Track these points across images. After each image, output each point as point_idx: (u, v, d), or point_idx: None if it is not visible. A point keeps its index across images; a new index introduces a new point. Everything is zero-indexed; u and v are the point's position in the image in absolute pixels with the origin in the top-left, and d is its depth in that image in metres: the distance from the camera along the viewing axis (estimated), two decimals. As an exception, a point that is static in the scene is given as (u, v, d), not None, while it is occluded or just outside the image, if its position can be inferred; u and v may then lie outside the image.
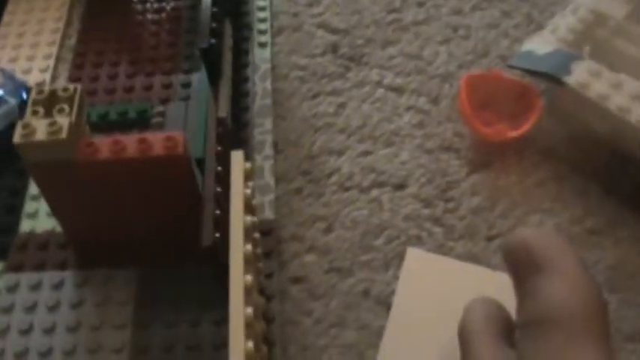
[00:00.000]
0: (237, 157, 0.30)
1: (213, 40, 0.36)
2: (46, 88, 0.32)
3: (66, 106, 0.31)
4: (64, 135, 0.30)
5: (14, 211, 0.39)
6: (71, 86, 0.32)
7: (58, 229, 0.36)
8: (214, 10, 0.37)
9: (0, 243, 0.37)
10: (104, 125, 0.42)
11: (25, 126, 0.30)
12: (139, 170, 0.31)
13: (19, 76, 0.45)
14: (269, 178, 0.39)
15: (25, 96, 0.43)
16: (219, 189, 0.31)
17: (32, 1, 0.50)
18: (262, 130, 0.41)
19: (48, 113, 0.31)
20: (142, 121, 0.42)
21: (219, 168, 0.32)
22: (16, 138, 0.30)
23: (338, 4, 0.50)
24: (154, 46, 0.46)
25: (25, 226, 0.38)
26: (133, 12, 0.49)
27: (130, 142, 0.31)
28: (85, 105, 0.33)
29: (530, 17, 0.49)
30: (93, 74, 0.45)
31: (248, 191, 0.29)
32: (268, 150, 0.41)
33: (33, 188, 0.39)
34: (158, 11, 0.48)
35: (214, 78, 0.37)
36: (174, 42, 0.46)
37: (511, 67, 0.42)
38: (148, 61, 0.45)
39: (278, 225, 0.38)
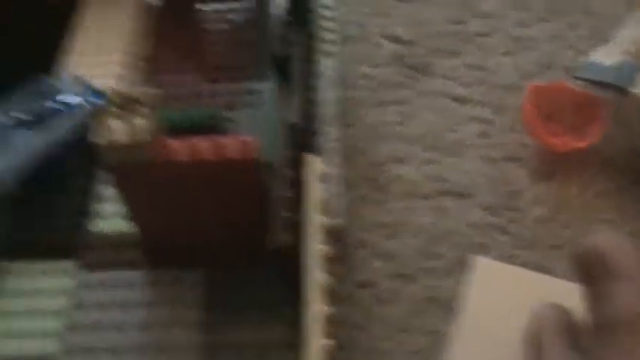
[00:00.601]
0: (312, 160, 0.31)
1: (284, 49, 0.37)
2: (124, 91, 0.33)
3: (144, 109, 0.33)
4: (143, 137, 0.31)
5: (84, 211, 0.40)
6: (148, 89, 0.34)
7: (128, 229, 0.37)
8: (285, 19, 0.38)
9: (71, 243, 0.39)
10: (175, 130, 0.43)
11: (106, 129, 0.32)
12: (213, 172, 0.32)
13: (94, 82, 0.46)
14: (338, 185, 0.40)
15: (99, 102, 0.44)
16: (290, 193, 0.32)
17: (104, 10, 0.52)
18: (331, 137, 0.42)
19: (127, 116, 0.33)
20: (213, 127, 0.43)
21: (291, 172, 0.33)
22: (99, 140, 0.31)
23: (403, 15, 0.50)
24: (223, 54, 0.47)
25: (96, 226, 0.39)
26: (203, 20, 0.50)
27: (206, 144, 0.32)
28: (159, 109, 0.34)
29: (594, 29, 0.49)
30: (164, 81, 0.46)
31: (323, 193, 0.30)
32: (336, 158, 0.41)
33: (102, 189, 0.40)
34: (227, 20, 0.50)
35: (284, 86, 0.38)
36: (244, 50, 0.47)
37: (577, 78, 0.42)
38: (218, 68, 0.47)
39: (346, 232, 0.39)
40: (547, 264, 0.37)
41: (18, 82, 0.45)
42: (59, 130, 0.43)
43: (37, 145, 0.42)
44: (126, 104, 0.33)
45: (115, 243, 0.39)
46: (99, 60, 0.49)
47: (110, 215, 0.40)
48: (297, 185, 0.33)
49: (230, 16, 0.50)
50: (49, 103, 0.44)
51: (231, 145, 0.32)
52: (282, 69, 0.37)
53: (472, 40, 0.49)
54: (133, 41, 0.50)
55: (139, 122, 0.32)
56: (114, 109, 0.33)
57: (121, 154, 0.32)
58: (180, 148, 0.32)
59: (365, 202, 0.41)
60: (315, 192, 0.30)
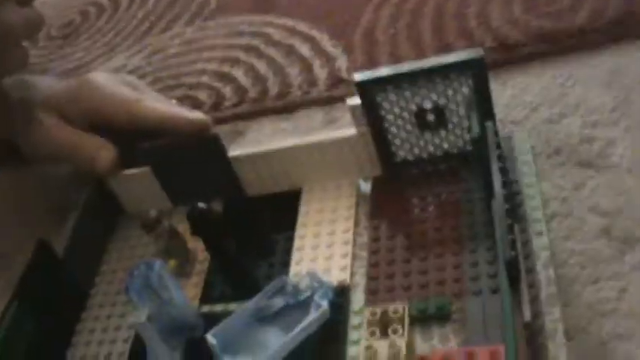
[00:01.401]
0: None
1: (513, 252, 0.41)
2: (378, 310, 0.38)
3: (399, 327, 0.37)
4: (402, 355, 0.36)
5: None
6: (400, 306, 0.38)
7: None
8: (509, 221, 0.42)
9: None
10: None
11: (368, 348, 0.36)
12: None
13: (322, 276, 0.51)
14: (566, 368, 0.43)
15: (331, 296, 0.49)
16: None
17: (322, 202, 0.58)
18: (552, 318, 0.45)
19: (384, 333, 0.37)
20: (441, 317, 0.47)
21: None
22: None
23: (603, 185, 0.54)
24: (439, 241, 0.52)
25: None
26: (416, 208, 0.55)
27: (460, 356, 0.36)
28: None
29: None
30: (389, 271, 0.51)
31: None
32: (560, 338, 0.44)
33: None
34: (439, 206, 0.54)
35: (513, 282, 0.41)
36: (459, 235, 0.52)
37: None
38: (437, 256, 0.51)
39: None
40: None
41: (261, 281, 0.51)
42: (303, 326, 0.48)
43: (284, 342, 0.47)
44: (381, 321, 0.38)
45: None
46: (322, 253, 0.54)
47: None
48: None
49: (444, 197, 0.54)
50: (290, 301, 0.49)
51: (482, 355, 0.35)
52: (511, 273, 0.41)
53: (677, 206, 0.51)
54: (352, 231, 0.55)
55: (398, 341, 0.36)
56: (371, 327, 0.38)
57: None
58: (434, 360, 0.36)
59: (596, 382, 0.43)
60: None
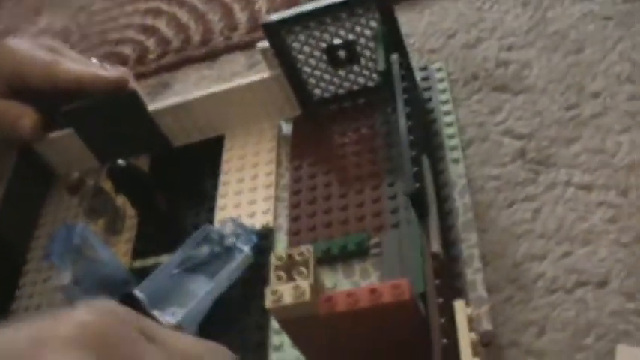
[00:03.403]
0: (459, 306, 0.35)
1: (417, 185, 0.41)
2: (284, 253, 0.38)
3: (304, 269, 0.38)
4: (307, 297, 0.36)
5: (262, 345, 0.46)
6: (304, 249, 0.38)
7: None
8: (413, 153, 0.42)
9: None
10: (328, 259, 0.48)
11: (273, 292, 0.37)
12: (372, 318, 0.36)
13: (245, 222, 0.52)
14: (482, 291, 0.44)
15: (255, 240, 0.50)
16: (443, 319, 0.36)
17: (244, 147, 0.58)
18: (469, 244, 0.46)
19: (289, 277, 0.38)
20: (361, 252, 0.48)
21: (439, 300, 0.37)
22: (267, 304, 0.37)
23: (518, 108, 0.54)
24: (358, 177, 0.52)
25: (274, 358, 0.45)
26: (336, 146, 0.55)
27: (363, 293, 0.36)
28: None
29: None
30: (309, 211, 0.51)
31: (473, 335, 0.34)
32: (477, 263, 0.45)
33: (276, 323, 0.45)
34: (358, 142, 0.55)
35: (422, 214, 0.42)
36: (378, 169, 0.52)
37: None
38: (357, 192, 0.51)
39: (496, 334, 0.43)
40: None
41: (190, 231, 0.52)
42: (228, 272, 0.49)
43: (210, 289, 0.48)
44: (287, 265, 0.38)
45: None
46: (245, 198, 0.54)
47: (286, 346, 0.45)
48: (447, 312, 0.37)
49: (361, 134, 0.55)
50: (216, 249, 0.50)
51: (385, 290, 0.36)
52: (417, 202, 0.41)
53: (588, 124, 0.51)
54: (274, 174, 0.55)
55: (302, 283, 0.37)
56: (277, 271, 0.38)
57: (287, 313, 0.37)
58: (339, 299, 0.36)
59: (510, 302, 0.44)
60: (465, 335, 0.34)
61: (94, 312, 0.34)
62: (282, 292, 0.36)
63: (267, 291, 0.37)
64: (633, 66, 0.53)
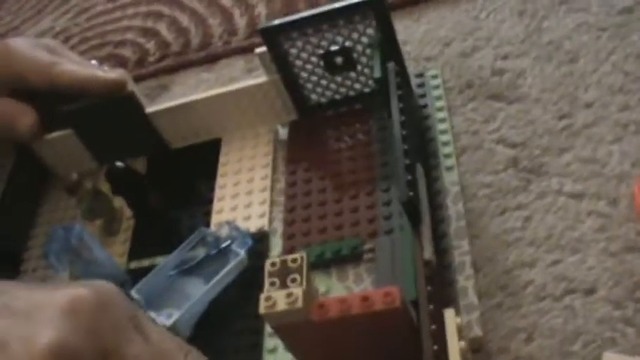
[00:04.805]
0: (449, 314, 0.36)
1: (411, 193, 0.42)
2: (277, 260, 0.39)
3: (297, 276, 0.38)
4: (299, 304, 0.37)
5: (255, 347, 0.47)
6: (298, 256, 0.39)
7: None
8: (407, 162, 0.43)
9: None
10: (321, 263, 0.49)
11: (267, 298, 0.37)
12: (363, 324, 0.37)
13: (241, 224, 0.52)
14: (472, 297, 0.45)
15: (250, 244, 0.51)
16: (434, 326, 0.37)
17: (241, 151, 0.59)
18: (461, 251, 0.47)
19: (283, 283, 0.38)
20: (355, 257, 0.48)
21: (430, 306, 0.38)
22: (261, 309, 0.37)
23: (512, 117, 0.55)
24: (353, 183, 0.53)
25: (269, 360, 0.46)
26: (331, 151, 0.56)
27: (355, 300, 0.37)
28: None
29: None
30: (304, 215, 0.52)
31: (463, 344, 0.35)
32: (469, 270, 0.46)
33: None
34: (353, 147, 0.55)
35: (415, 222, 0.43)
36: (373, 175, 0.53)
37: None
38: (351, 197, 0.52)
39: (485, 340, 0.44)
40: (676, 353, 0.41)
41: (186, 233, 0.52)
42: (223, 275, 0.49)
43: (206, 291, 0.49)
44: (280, 272, 0.39)
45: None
46: (241, 201, 0.55)
47: (280, 350, 0.46)
48: (438, 319, 0.38)
49: (357, 141, 0.55)
50: (211, 251, 0.50)
51: (377, 298, 0.36)
52: (411, 210, 0.42)
53: (580, 133, 0.52)
54: (270, 178, 0.56)
55: (295, 290, 0.37)
56: (271, 277, 0.39)
57: (280, 319, 0.37)
58: (332, 305, 0.37)
59: (500, 309, 0.45)
60: (454, 344, 0.35)
61: (93, 290, 0.37)
62: (275, 298, 0.37)
63: (261, 297, 0.37)
64: (626, 77, 0.54)
